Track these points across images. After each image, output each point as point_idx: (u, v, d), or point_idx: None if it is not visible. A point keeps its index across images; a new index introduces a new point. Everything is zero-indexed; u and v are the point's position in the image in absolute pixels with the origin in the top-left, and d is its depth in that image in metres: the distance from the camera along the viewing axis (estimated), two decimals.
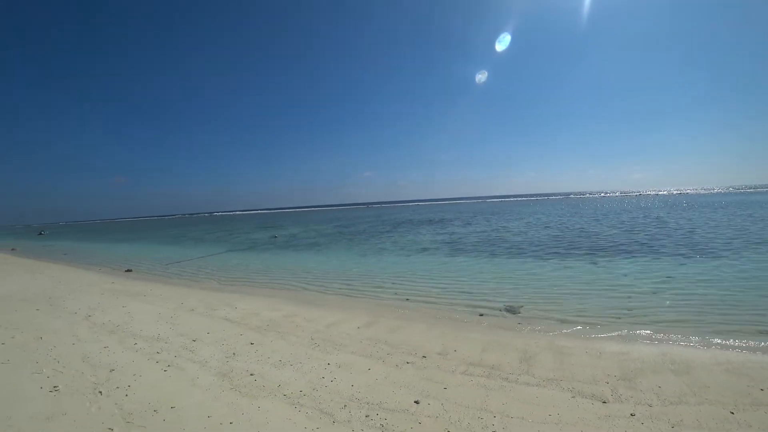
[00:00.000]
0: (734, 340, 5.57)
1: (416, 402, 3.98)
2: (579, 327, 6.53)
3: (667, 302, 7.63)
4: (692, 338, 5.75)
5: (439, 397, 4.09)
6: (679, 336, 5.87)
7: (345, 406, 3.94)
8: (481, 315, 7.51)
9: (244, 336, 6.42)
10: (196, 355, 5.57)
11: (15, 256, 27.82)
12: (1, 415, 3.95)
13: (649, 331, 6.12)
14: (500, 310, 7.73)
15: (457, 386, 4.34)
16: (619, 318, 6.88)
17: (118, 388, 4.50)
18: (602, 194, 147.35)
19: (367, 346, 5.77)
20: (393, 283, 10.88)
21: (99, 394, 4.35)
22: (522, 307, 7.81)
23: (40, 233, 77.06)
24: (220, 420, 3.72)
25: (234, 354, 5.57)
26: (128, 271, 16.78)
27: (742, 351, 5.22)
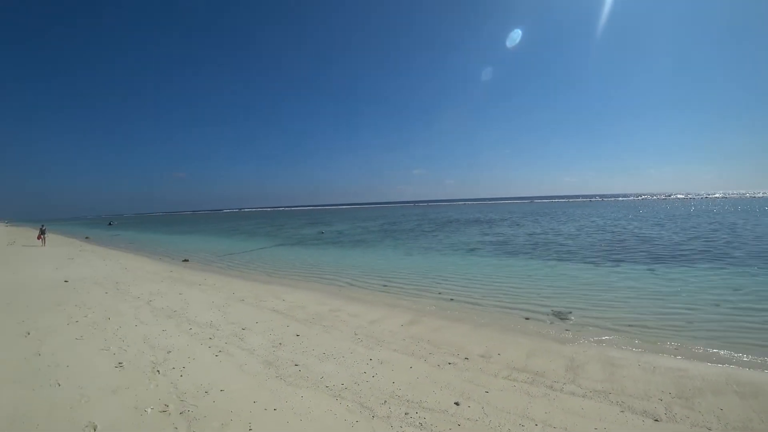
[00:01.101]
0: None
1: (456, 403, 3.95)
2: (632, 338, 6.15)
3: (733, 317, 7.01)
4: (762, 359, 5.22)
5: (480, 400, 4.03)
6: (746, 355, 5.34)
7: (385, 402, 3.99)
8: (527, 319, 7.30)
9: (290, 327, 6.66)
10: (244, 342, 5.87)
11: (89, 243, 30.62)
12: (75, 384, 4.41)
13: (711, 348, 5.63)
14: (548, 315, 7.47)
15: (499, 391, 4.26)
16: (678, 331, 6.40)
17: (173, 368, 4.85)
18: (665, 196, 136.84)
19: (409, 344, 5.79)
20: (438, 283, 10.82)
21: (157, 373, 4.71)
22: (571, 313, 7.50)
23: (110, 224, 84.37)
24: (264, 406, 3.90)
25: (280, 344, 5.80)
26: (185, 261, 17.92)
27: None
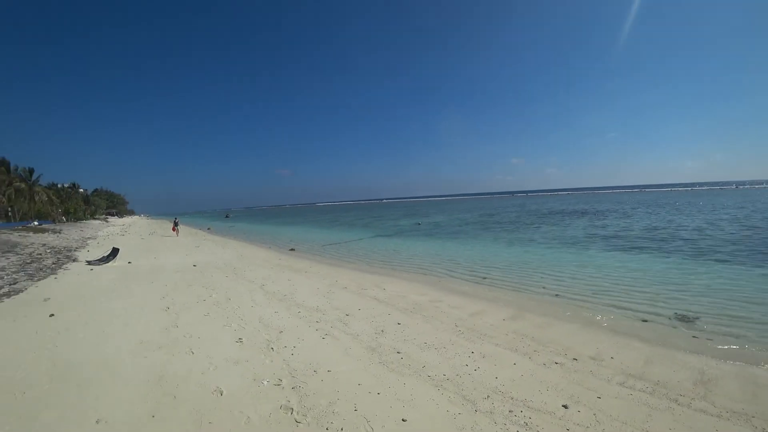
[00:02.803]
0: None
1: (564, 406, 3.71)
2: None
3: None
4: None
5: (592, 405, 3.73)
6: None
7: (488, 396, 3.90)
8: (645, 321, 6.51)
9: (391, 316, 6.84)
10: (349, 327, 6.19)
11: (210, 234, 35.12)
12: (205, 353, 5.10)
13: None
14: (669, 319, 6.57)
15: (613, 397, 3.89)
16: None
17: (285, 347, 5.31)
18: None
19: (512, 340, 5.59)
20: (541, 277, 10.29)
21: (271, 350, 5.20)
22: (699, 318, 6.50)
23: (226, 216, 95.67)
24: (368, 389, 4.07)
25: (382, 331, 6.00)
26: (292, 250, 19.53)
27: None
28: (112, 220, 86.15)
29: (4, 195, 46.26)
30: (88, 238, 28.94)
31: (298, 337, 5.74)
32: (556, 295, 8.45)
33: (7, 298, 8.62)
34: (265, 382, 4.21)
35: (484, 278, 10.53)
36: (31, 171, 55.34)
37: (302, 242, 24.19)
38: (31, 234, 24.16)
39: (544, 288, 9.09)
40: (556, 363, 4.76)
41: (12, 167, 52.18)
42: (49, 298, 8.47)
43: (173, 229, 31.36)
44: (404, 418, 3.51)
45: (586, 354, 5.06)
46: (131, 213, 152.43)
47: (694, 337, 5.77)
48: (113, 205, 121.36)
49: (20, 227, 30.81)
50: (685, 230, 18.80)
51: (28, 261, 13.91)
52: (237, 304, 7.73)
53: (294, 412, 3.60)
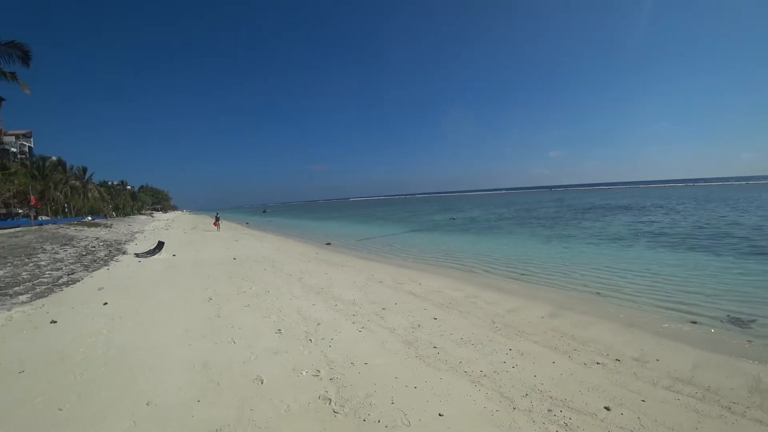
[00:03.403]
0: None
1: (607, 408, 3.57)
2: None
3: None
4: None
5: (636, 409, 3.57)
6: None
7: (526, 395, 3.83)
8: (694, 323, 6.14)
9: (428, 311, 6.83)
10: (385, 321, 6.24)
11: (249, 228, 36.26)
12: (246, 343, 5.30)
13: None
14: (721, 321, 6.16)
15: (659, 402, 3.70)
16: None
17: (323, 339, 5.42)
18: None
19: (551, 338, 5.45)
20: (581, 274, 9.95)
21: (309, 341, 5.33)
22: (755, 321, 6.05)
23: (264, 211, 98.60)
24: (405, 383, 4.09)
25: (419, 326, 6.00)
26: (328, 244, 19.86)
27: None
28: (157, 215, 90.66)
29: (61, 192, 49.61)
30: (136, 232, 30.60)
31: (336, 329, 5.84)
32: (598, 293, 8.16)
33: (67, 287, 9.27)
34: (304, 373, 4.32)
35: (522, 274, 10.32)
36: (84, 170, 59.08)
37: (338, 237, 24.52)
38: (85, 228, 25.79)
39: (584, 285, 8.80)
40: (597, 363, 4.60)
41: (68, 167, 55.89)
42: (102, 288, 9.05)
43: (214, 224, 32.56)
44: (441, 413, 3.51)
45: (629, 355, 4.86)
46: (174, 208, 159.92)
47: (748, 341, 5.39)
48: (158, 201, 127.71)
49: (76, 222, 32.95)
50: (741, 227, 17.59)
51: (84, 253, 14.87)
52: (276, 297, 7.95)
53: (332, 403, 3.67)
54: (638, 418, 3.42)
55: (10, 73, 18.42)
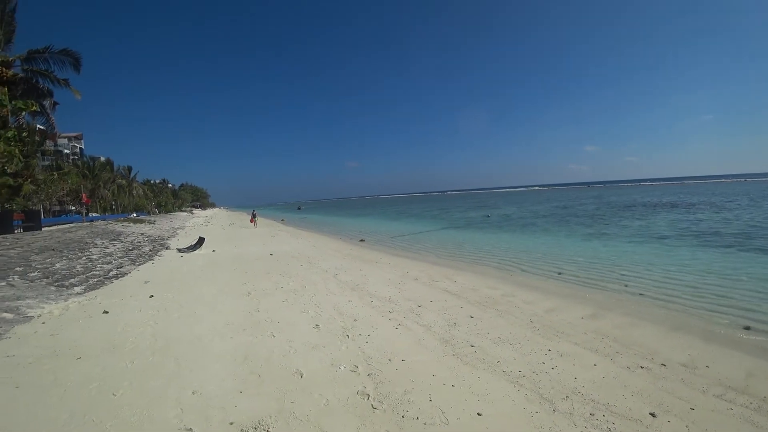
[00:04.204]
0: None
1: (652, 415, 3.42)
2: None
3: None
4: None
5: (684, 417, 3.40)
6: None
7: (567, 397, 3.73)
8: (747, 329, 5.76)
9: (464, 309, 6.78)
10: (421, 319, 6.23)
11: (284, 225, 37.05)
12: (285, 337, 5.43)
13: None
14: None
15: (709, 410, 3.50)
16: None
17: (360, 335, 5.48)
18: None
19: (591, 339, 5.28)
20: (622, 275, 9.59)
21: (346, 337, 5.40)
22: None
23: (299, 208, 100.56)
24: (443, 381, 4.07)
25: (455, 324, 5.96)
26: (362, 241, 20.03)
27: None
28: (197, 212, 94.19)
29: (108, 190, 52.43)
30: (177, 228, 31.91)
31: (372, 325, 5.88)
32: (640, 294, 7.83)
33: (116, 279, 9.81)
34: (342, 368, 4.38)
35: (559, 274, 10.04)
36: (129, 169, 62.16)
37: (371, 234, 24.69)
38: (131, 224, 27.11)
39: (626, 286, 8.47)
40: (641, 367, 4.41)
41: (115, 167, 58.99)
42: (148, 281, 9.50)
43: (251, 221, 33.43)
44: (479, 412, 3.47)
45: (675, 360, 4.63)
46: (212, 205, 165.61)
47: None
48: (197, 198, 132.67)
49: (122, 218, 34.70)
50: None
51: (130, 248, 15.65)
52: (312, 292, 8.10)
53: (370, 398, 3.71)
54: (686, 427, 3.26)
55: (63, 79, 19.58)
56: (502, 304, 7.09)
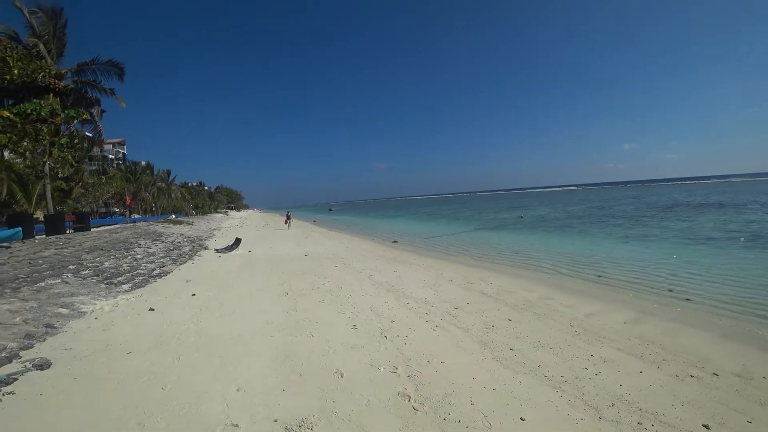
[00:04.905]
0: None
1: (706, 427, 3.25)
2: None
3: None
4: None
5: (740, 430, 3.22)
6: None
7: (612, 404, 3.61)
8: None
9: (501, 311, 6.67)
10: (458, 321, 6.18)
11: (316, 226, 37.60)
12: (324, 337, 5.51)
13: None
14: None
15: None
16: None
17: (398, 336, 5.49)
18: None
19: (636, 345, 5.08)
20: (665, 278, 9.19)
21: (384, 338, 5.43)
22: None
23: (330, 209, 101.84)
24: (483, 384, 4.03)
25: (493, 326, 5.88)
26: (394, 242, 20.05)
27: None
28: (231, 213, 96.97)
29: (149, 193, 54.77)
30: (214, 229, 32.96)
31: (409, 327, 5.88)
32: (687, 299, 7.45)
33: (159, 278, 10.24)
34: (382, 369, 4.40)
35: (599, 276, 9.72)
36: (168, 172, 64.70)
37: (404, 235, 24.68)
38: (171, 225, 28.20)
39: (670, 290, 8.10)
40: (691, 376, 4.20)
41: (156, 170, 61.59)
42: (190, 280, 9.86)
43: (285, 222, 34.04)
44: (522, 417, 3.42)
45: (728, 370, 4.38)
46: (246, 207, 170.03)
47: None
48: (232, 200, 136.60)
49: (162, 220, 36.13)
50: None
51: (171, 248, 16.28)
52: (348, 293, 8.18)
53: (411, 400, 3.71)
54: None
55: (109, 89, 20.68)
56: (539, 307, 6.94)
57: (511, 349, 4.96)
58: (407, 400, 3.71)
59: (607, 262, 11.62)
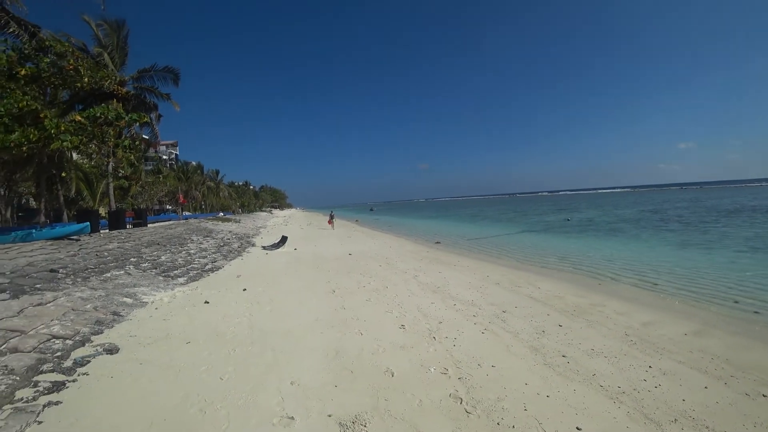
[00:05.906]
0: None
1: None
2: None
3: None
4: None
5: None
6: None
7: (676, 420, 3.43)
8: None
9: (551, 317, 6.50)
10: (507, 325, 6.08)
11: (359, 225, 38.07)
12: (372, 336, 5.59)
13: None
14: None
15: None
16: None
17: (446, 337, 5.48)
18: None
19: (699, 359, 4.78)
20: (729, 288, 8.57)
21: (433, 339, 5.43)
22: None
23: (371, 209, 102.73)
24: (537, 390, 3.95)
25: (543, 332, 5.74)
26: (437, 243, 19.96)
27: None
28: (276, 212, 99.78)
29: (199, 191, 57.39)
30: (260, 227, 34.06)
31: (458, 329, 5.85)
32: (756, 312, 6.91)
33: (212, 272, 10.74)
34: (432, 370, 4.41)
35: (655, 284, 9.20)
36: (217, 172, 67.52)
37: (446, 236, 24.49)
38: (219, 223, 29.43)
39: (736, 302, 7.53)
40: (764, 396, 3.91)
41: (205, 170, 64.48)
42: (240, 275, 10.28)
43: (329, 222, 34.54)
44: (579, 427, 3.33)
45: None
46: (290, 206, 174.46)
47: None
48: (276, 199, 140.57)
49: (211, 217, 37.75)
50: None
51: (221, 245, 17.01)
52: (394, 293, 8.24)
53: (463, 402, 3.70)
54: None
55: (165, 94, 21.90)
56: (591, 314, 6.70)
57: (563, 356, 4.83)
58: (459, 402, 3.70)
59: (662, 269, 10.99)
